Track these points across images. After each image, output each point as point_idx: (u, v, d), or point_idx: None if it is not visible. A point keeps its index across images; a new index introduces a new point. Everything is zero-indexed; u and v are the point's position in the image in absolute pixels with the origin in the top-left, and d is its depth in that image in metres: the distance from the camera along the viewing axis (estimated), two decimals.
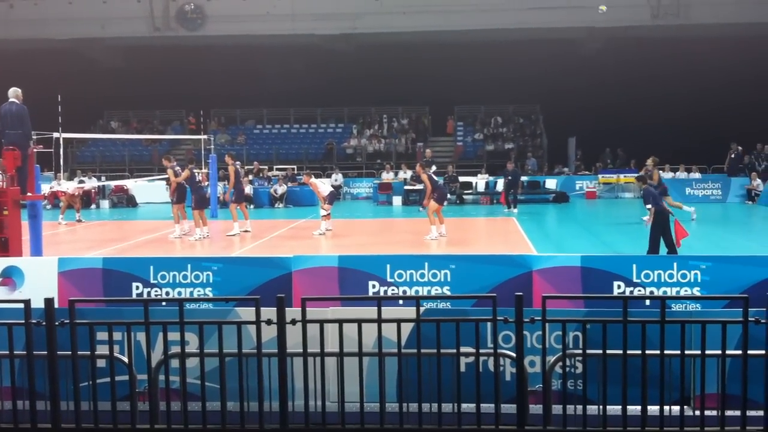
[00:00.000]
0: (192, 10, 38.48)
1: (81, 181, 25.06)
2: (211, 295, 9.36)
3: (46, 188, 17.39)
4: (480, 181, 30.63)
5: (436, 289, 9.32)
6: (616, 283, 9.07)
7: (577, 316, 6.37)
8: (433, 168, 25.35)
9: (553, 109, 38.37)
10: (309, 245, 16.52)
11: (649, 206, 13.10)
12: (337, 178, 32.07)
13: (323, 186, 19.00)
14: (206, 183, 22.26)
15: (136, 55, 40.88)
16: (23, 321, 5.56)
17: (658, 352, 5.47)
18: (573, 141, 36.55)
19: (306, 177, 19.64)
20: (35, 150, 13.24)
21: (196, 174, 18.81)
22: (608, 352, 5.48)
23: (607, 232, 19.59)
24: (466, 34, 37.41)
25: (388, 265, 9.47)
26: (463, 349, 5.67)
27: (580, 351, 5.83)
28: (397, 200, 28.66)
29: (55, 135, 13.95)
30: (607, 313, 6.12)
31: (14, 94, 12.98)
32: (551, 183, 30.62)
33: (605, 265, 9.21)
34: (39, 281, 9.38)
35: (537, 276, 9.13)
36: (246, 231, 18.57)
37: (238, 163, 19.09)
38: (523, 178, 28.84)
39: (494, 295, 5.57)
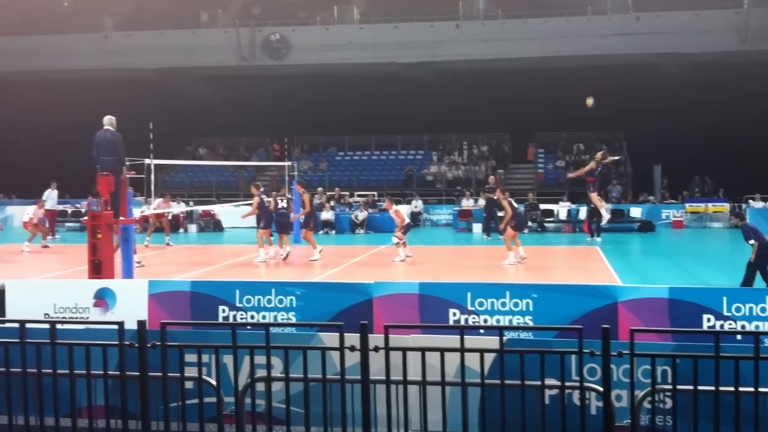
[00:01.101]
0: (277, 40, 39.48)
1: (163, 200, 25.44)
2: (294, 320, 9.49)
3: (137, 212, 17.99)
4: (562, 208, 30.19)
5: (518, 319, 9.22)
6: (705, 316, 8.80)
7: (665, 350, 6.21)
8: (497, 194, 25.19)
9: (638, 135, 37.60)
10: (389, 271, 16.57)
11: (752, 242, 12.56)
12: (417, 204, 32.14)
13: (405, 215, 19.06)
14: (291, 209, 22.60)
15: (222, 83, 42.11)
16: (117, 342, 5.76)
17: (751, 389, 5.27)
18: (658, 168, 35.71)
19: (387, 203, 19.71)
20: (128, 176, 13.76)
21: (279, 200, 19.15)
22: (699, 387, 5.31)
23: (695, 263, 19.01)
24: (547, 60, 37.22)
25: (469, 293, 9.42)
26: (547, 382, 5.59)
27: (669, 386, 5.67)
28: (477, 227, 28.49)
29: (147, 161, 14.44)
30: (697, 347, 5.94)
31: (109, 121, 13.55)
32: (636, 211, 29.92)
33: (694, 297, 8.94)
34: (130, 303, 9.69)
35: (622, 307, 8.93)
36: (270, 258, 18.54)
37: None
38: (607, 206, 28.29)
39: (580, 327, 5.48)
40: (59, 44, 39.84)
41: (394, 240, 18.36)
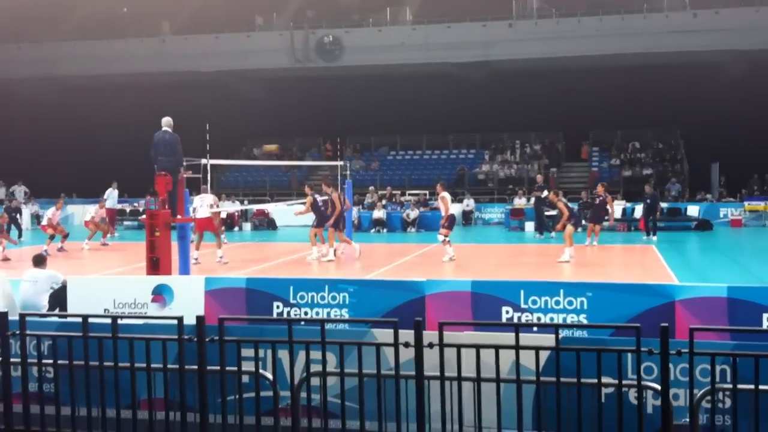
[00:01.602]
0: (330, 42, 39.77)
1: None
2: (346, 316, 9.55)
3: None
4: (617, 207, 29.72)
5: (572, 317, 9.12)
6: (765, 315, 8.58)
7: (724, 349, 6.09)
8: (545, 193, 24.99)
9: (695, 133, 36.88)
10: (441, 269, 16.57)
11: None
12: (469, 203, 32.03)
13: (451, 206, 18.49)
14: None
15: (277, 85, 42.60)
16: (176, 336, 5.89)
17: None
18: (716, 166, 34.96)
19: (440, 187, 18.93)
20: (185, 176, 14.03)
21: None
22: (761, 387, 5.21)
23: (755, 262, 18.60)
24: (602, 59, 36.76)
25: (523, 291, 9.34)
26: (603, 380, 5.53)
27: (729, 385, 5.57)
28: (529, 226, 28.27)
29: (203, 161, 14.70)
30: (757, 347, 5.82)
31: (167, 123, 13.85)
32: (693, 210, 29.33)
33: (754, 296, 8.72)
34: (187, 299, 9.86)
35: (680, 306, 8.77)
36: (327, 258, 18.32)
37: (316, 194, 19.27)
38: (663, 205, 27.82)
39: (638, 325, 5.41)
40: (118, 49, 40.80)
41: (440, 238, 18.00)
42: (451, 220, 18.14)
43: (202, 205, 17.91)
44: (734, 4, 35.42)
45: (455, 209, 30.45)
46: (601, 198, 22.01)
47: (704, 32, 35.11)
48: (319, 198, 19.06)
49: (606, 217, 22.70)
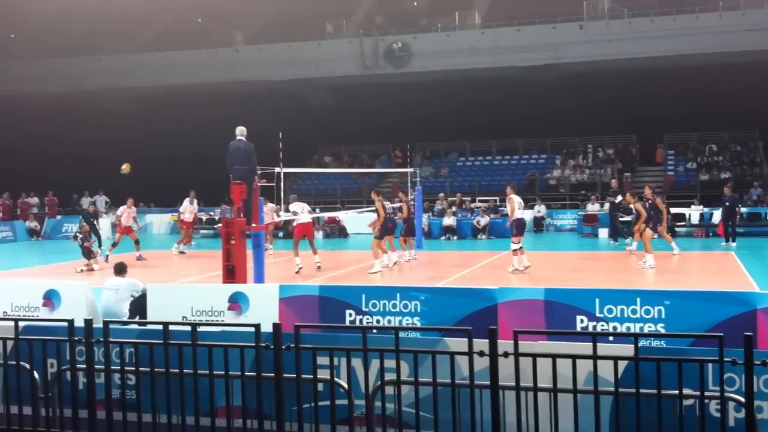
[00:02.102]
0: (399, 48, 39.92)
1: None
2: (418, 324, 9.56)
3: (267, 219, 18.64)
4: (694, 212, 28.95)
5: (649, 326, 8.93)
6: None
7: None
8: (619, 197, 24.43)
9: None
10: (512, 277, 16.42)
11: None
12: (540, 209, 31.67)
13: (518, 210, 17.26)
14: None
15: (346, 92, 42.98)
16: (253, 344, 5.99)
17: None
18: None
19: (510, 189, 18.50)
20: (259, 184, 14.27)
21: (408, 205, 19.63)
22: None
23: None
24: (675, 59, 35.91)
25: (598, 300, 9.20)
26: (684, 391, 5.40)
27: None
28: (603, 232, 27.76)
29: (276, 170, 14.92)
30: None
31: (241, 132, 14.10)
32: None
33: None
34: (262, 306, 10.03)
35: (762, 315, 8.50)
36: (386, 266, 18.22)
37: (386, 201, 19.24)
38: (743, 210, 26.96)
39: (721, 334, 5.27)
40: (193, 59, 41.80)
41: (512, 247, 17.01)
42: (519, 226, 17.19)
43: (303, 210, 18.38)
44: None
45: (526, 215, 30.20)
46: (650, 201, 20.82)
47: None
48: (388, 205, 19.11)
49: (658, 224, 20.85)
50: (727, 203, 23.40)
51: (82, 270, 19.28)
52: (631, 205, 19.40)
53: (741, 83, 35.18)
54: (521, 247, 17.13)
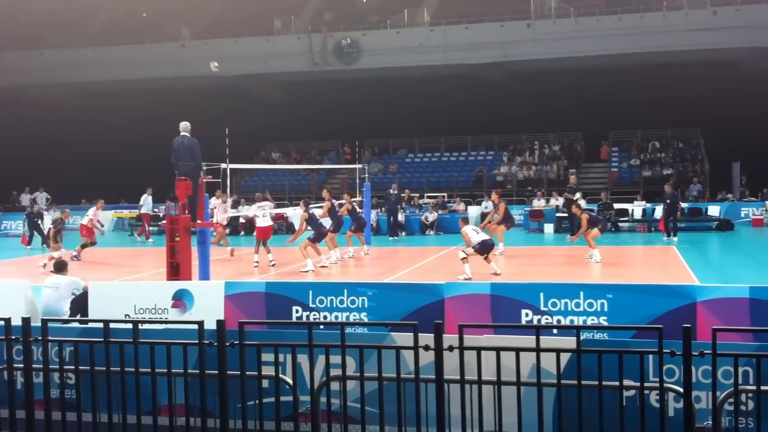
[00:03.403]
0: (348, 45, 39.86)
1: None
2: (365, 320, 9.55)
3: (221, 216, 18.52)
4: (637, 208, 29.54)
5: (592, 319, 9.07)
6: None
7: (747, 350, 6.03)
8: (578, 195, 24.87)
9: (715, 132, 36.59)
10: (460, 272, 16.48)
11: None
12: (487, 205, 31.89)
13: (475, 236, 15.76)
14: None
15: (295, 88, 42.75)
16: (196, 341, 5.90)
17: None
18: (737, 166, 34.65)
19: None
20: (205, 180, 14.09)
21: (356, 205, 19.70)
22: None
23: None
24: (621, 57, 36.56)
25: (542, 293, 9.31)
26: (625, 382, 5.49)
27: (752, 387, 5.50)
28: (548, 228, 28.15)
29: (223, 166, 14.76)
30: None
31: (185, 127, 13.89)
32: (714, 210, 29.06)
33: None
34: (207, 303, 9.91)
35: (701, 308, 8.70)
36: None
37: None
38: (684, 205, 27.59)
39: (660, 326, 5.36)
40: (138, 54, 41.11)
41: (461, 255, 15.52)
42: (482, 246, 15.68)
43: (265, 214, 18.52)
44: (754, 0, 35.08)
45: (474, 211, 30.47)
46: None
47: (724, 29, 34.81)
48: (336, 202, 19.12)
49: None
50: (668, 200, 23.90)
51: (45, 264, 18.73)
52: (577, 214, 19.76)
53: (684, 82, 36.03)
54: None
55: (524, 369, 5.70)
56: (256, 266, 18.06)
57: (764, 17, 34.40)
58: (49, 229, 19.71)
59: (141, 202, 27.28)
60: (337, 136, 42.37)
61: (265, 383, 6.21)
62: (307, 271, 17.05)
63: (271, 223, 18.99)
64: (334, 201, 19.20)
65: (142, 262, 20.53)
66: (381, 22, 41.38)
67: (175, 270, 12.61)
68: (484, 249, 15.62)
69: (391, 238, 26.32)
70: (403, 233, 28.18)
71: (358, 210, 21.20)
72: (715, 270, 17.09)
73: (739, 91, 35.09)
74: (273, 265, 17.96)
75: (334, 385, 6.02)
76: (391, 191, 27.08)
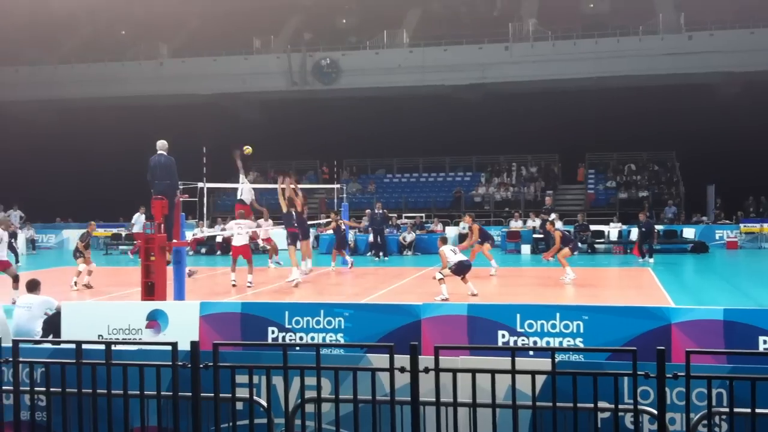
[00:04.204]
0: (328, 65, 40.00)
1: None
2: (342, 341, 9.50)
3: (189, 235, 18.34)
4: (613, 230, 29.77)
5: (568, 341, 9.09)
6: (761, 338, 8.56)
7: (721, 373, 6.07)
8: (553, 216, 25.03)
9: (690, 155, 37.02)
10: (438, 293, 16.47)
11: None
12: (465, 225, 32.00)
13: (452, 256, 15.75)
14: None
15: (274, 107, 42.76)
16: (170, 363, 5.84)
17: None
18: (712, 189, 35.05)
19: (440, 242, 18.94)
20: (181, 199, 14.01)
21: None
22: (757, 411, 5.18)
23: (751, 284, 18.60)
24: (597, 81, 36.99)
25: (519, 315, 9.32)
26: (600, 404, 5.50)
27: (725, 409, 5.53)
28: (525, 248, 28.28)
29: (200, 185, 14.69)
30: (755, 369, 5.80)
31: (162, 146, 13.82)
32: (689, 232, 29.36)
33: (750, 318, 8.71)
34: (182, 324, 9.81)
35: (676, 329, 8.75)
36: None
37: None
38: (660, 227, 27.83)
39: (634, 348, 5.39)
40: (116, 71, 40.98)
41: (437, 275, 15.58)
42: (458, 267, 15.62)
43: (240, 232, 18.50)
44: (729, 25, 35.69)
45: (451, 232, 30.54)
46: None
47: (699, 54, 35.41)
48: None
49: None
50: (644, 228, 24.10)
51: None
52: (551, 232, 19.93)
53: (660, 105, 36.49)
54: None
55: (500, 391, 5.70)
56: (233, 285, 17.95)
57: (738, 43, 35.00)
58: (77, 244, 19.32)
59: (133, 221, 27.23)
60: (315, 156, 42.35)
61: (239, 405, 6.16)
62: (293, 281, 17.61)
63: (246, 242, 18.77)
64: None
65: (119, 282, 20.33)
66: (360, 43, 41.60)
67: (150, 290, 12.49)
68: (461, 270, 15.60)
69: (377, 258, 26.26)
70: (381, 253, 28.13)
71: (342, 228, 22.34)
72: (689, 292, 17.23)
73: (713, 115, 35.63)
74: (249, 287, 17.82)
75: (309, 408, 5.98)
76: (377, 210, 27.10)
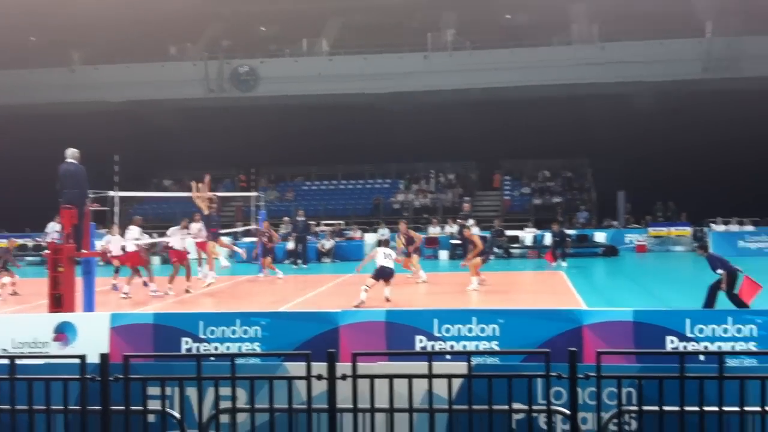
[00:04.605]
0: (246, 72, 39.58)
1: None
2: (258, 350, 9.37)
3: (99, 245, 17.77)
4: (527, 235, 30.41)
5: (485, 344, 9.21)
6: (668, 338, 8.86)
7: (630, 372, 6.24)
8: (471, 221, 25.45)
9: (602, 162, 38.15)
10: (355, 300, 16.45)
11: (720, 271, 12.83)
12: (384, 232, 32.06)
13: (381, 260, 15.88)
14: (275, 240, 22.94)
15: (190, 115, 41.96)
16: (78, 376, 5.65)
17: (716, 408, 5.31)
18: (622, 194, 36.19)
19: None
20: (91, 208, 13.58)
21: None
22: (665, 408, 5.34)
23: (659, 286, 19.24)
24: (514, 90, 37.67)
25: (436, 320, 9.39)
26: (514, 406, 5.58)
27: (635, 407, 5.69)
28: (443, 254, 28.58)
29: (111, 193, 14.30)
30: (662, 369, 5.99)
31: (72, 154, 13.37)
32: (600, 236, 30.26)
33: (658, 319, 9.02)
34: (91, 336, 9.51)
35: (587, 331, 8.97)
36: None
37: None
38: (572, 232, 28.56)
39: (548, 350, 5.50)
40: (24, 79, 39.56)
41: (364, 286, 15.38)
42: (380, 272, 15.74)
43: (131, 238, 17.79)
44: (641, 37, 36.92)
45: (370, 239, 30.60)
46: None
47: (612, 64, 36.45)
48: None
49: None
50: (557, 238, 24.82)
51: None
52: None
53: (574, 114, 37.45)
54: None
55: (417, 396, 5.72)
56: (124, 297, 17.22)
57: (648, 53, 36.23)
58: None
59: (47, 230, 25.60)
60: (234, 164, 41.77)
61: (151, 418, 6.00)
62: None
63: (134, 249, 17.98)
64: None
65: (26, 293, 19.55)
66: (279, 51, 41.31)
67: (58, 302, 12.05)
68: (381, 275, 15.63)
69: (296, 265, 25.94)
70: (299, 261, 27.94)
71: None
72: (601, 294, 17.70)
73: (625, 124, 36.81)
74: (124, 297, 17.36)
75: (224, 418, 5.87)
76: (298, 218, 26.90)
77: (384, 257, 15.86)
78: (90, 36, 42.24)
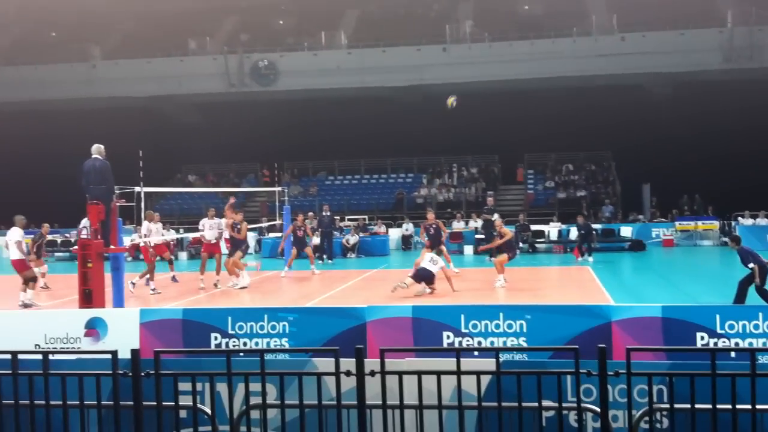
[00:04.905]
0: (265, 66, 39.70)
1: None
2: (287, 345, 9.42)
3: (127, 241, 17.95)
4: (552, 229, 30.23)
5: (512, 340, 9.20)
6: (699, 334, 8.80)
7: (660, 369, 6.20)
8: (495, 216, 25.29)
9: (626, 155, 37.85)
10: (382, 295, 16.48)
11: (752, 265, 12.67)
12: (408, 227, 32.14)
13: (425, 261, 16.54)
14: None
15: (211, 110, 42.20)
16: (110, 371, 5.70)
17: (749, 406, 5.26)
18: (647, 187, 35.91)
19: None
20: (117, 204, 13.71)
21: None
22: (696, 406, 5.30)
23: (687, 281, 19.06)
24: (534, 82, 37.51)
25: (463, 316, 9.40)
26: (544, 403, 5.56)
27: (666, 405, 5.65)
28: (468, 249, 28.51)
29: (137, 189, 14.41)
30: (692, 365, 5.94)
31: (97, 150, 13.50)
32: (626, 231, 29.99)
33: (687, 315, 8.95)
34: (121, 332, 9.62)
35: (616, 327, 8.93)
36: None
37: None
38: (597, 227, 28.36)
39: (576, 347, 5.47)
40: (47, 74, 39.93)
41: (401, 284, 15.64)
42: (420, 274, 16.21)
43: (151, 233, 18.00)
44: (660, 27, 36.61)
45: (394, 234, 30.62)
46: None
47: (632, 55, 36.21)
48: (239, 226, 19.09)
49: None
50: (582, 231, 24.57)
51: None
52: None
53: (595, 106, 37.19)
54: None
55: (446, 392, 5.72)
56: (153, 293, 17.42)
57: (669, 44, 35.95)
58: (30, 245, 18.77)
59: (80, 225, 25.93)
60: (255, 159, 41.97)
61: (183, 413, 6.05)
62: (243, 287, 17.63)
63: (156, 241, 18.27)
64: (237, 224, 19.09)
65: (56, 289, 19.78)
66: (298, 44, 41.39)
67: (88, 297, 12.19)
68: (421, 277, 16.00)
69: (322, 261, 25.88)
70: (324, 256, 28.02)
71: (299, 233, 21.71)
72: (628, 290, 17.57)
73: (647, 115, 36.50)
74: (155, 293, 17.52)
75: (254, 414, 5.90)
76: (324, 213, 26.94)
77: (429, 261, 16.33)
78: (110, 31, 42.60)
